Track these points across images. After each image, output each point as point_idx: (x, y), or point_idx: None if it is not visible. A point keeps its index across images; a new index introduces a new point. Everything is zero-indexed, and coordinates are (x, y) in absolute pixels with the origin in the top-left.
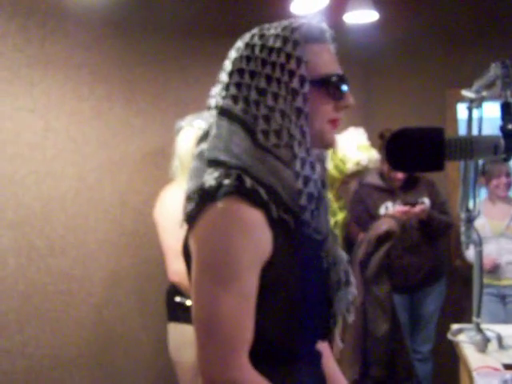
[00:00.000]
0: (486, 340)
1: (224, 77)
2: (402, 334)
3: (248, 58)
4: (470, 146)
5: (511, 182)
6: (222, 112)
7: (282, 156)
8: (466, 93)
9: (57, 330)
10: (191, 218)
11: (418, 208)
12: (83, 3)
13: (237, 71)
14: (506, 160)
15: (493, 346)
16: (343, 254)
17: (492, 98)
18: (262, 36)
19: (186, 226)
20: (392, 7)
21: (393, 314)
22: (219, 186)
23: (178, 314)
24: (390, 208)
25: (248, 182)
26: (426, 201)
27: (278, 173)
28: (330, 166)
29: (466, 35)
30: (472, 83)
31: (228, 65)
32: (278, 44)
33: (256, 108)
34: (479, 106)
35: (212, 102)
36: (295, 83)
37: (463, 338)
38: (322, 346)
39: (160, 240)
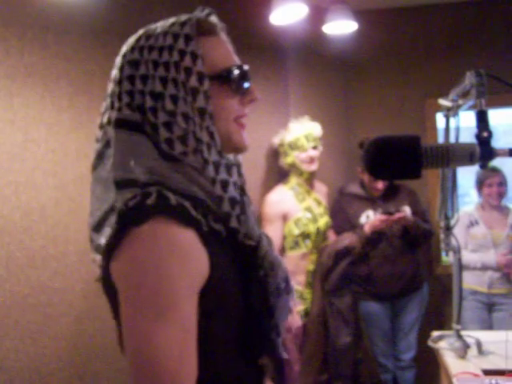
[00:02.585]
0: (466, 346)
1: (112, 87)
2: (366, 345)
3: (136, 62)
4: (446, 154)
5: (504, 192)
6: (119, 124)
7: (192, 163)
8: (442, 101)
9: (37, 343)
10: (111, 247)
11: (396, 216)
12: (63, 14)
13: (126, 78)
14: (482, 167)
15: (472, 352)
16: (280, 259)
17: (469, 107)
18: (148, 37)
19: (99, 258)
20: (371, 18)
21: (356, 326)
22: (140, 206)
23: None
24: (370, 217)
25: (172, 198)
26: (407, 209)
27: (195, 180)
28: (287, 160)
29: (444, 46)
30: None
31: (116, 73)
32: (169, 42)
33: (154, 116)
34: (456, 114)
35: (103, 118)
36: (193, 81)
37: (443, 344)
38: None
39: None
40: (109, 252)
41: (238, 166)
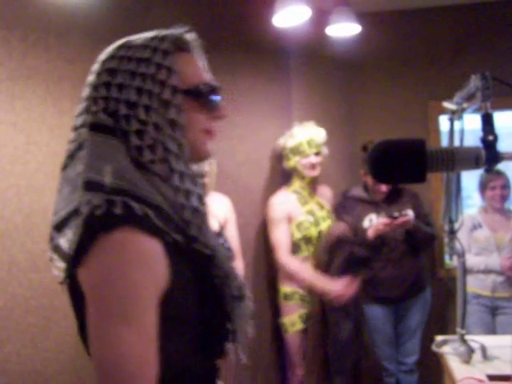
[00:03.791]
0: (471, 351)
1: (89, 92)
2: (365, 339)
3: (114, 71)
4: (452, 158)
5: (507, 194)
6: (94, 128)
7: (158, 172)
8: (447, 104)
9: (38, 346)
10: (78, 253)
11: (400, 220)
12: (65, 16)
13: (103, 85)
14: (488, 171)
15: (477, 357)
16: (235, 269)
17: (474, 110)
18: (129, 47)
19: (57, 259)
20: (374, 21)
21: (356, 319)
22: (108, 215)
23: None
24: (374, 220)
25: (137, 208)
26: (410, 213)
27: (159, 189)
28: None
29: (447, 48)
30: (454, 95)
31: (93, 79)
32: (147, 54)
33: (127, 123)
34: (460, 117)
35: (78, 120)
36: (167, 94)
37: (448, 349)
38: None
39: None
40: (76, 258)
41: (201, 176)
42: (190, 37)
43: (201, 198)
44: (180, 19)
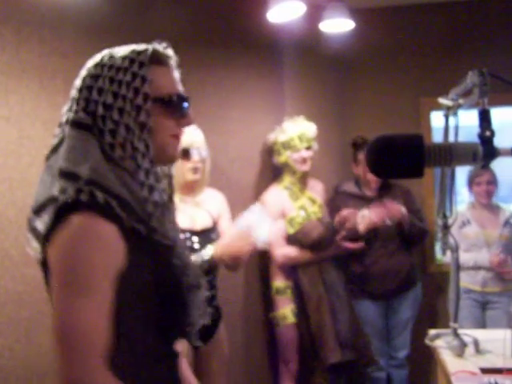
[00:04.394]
0: (463, 345)
1: (74, 93)
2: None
3: (96, 76)
4: (449, 153)
5: (492, 190)
6: (74, 124)
7: (127, 167)
8: (442, 100)
9: (31, 340)
10: (49, 232)
11: (388, 205)
12: (59, 10)
13: (86, 88)
14: (484, 167)
15: (470, 350)
16: (192, 260)
17: (468, 107)
18: (110, 57)
19: (34, 241)
20: (367, 17)
21: (346, 292)
22: (75, 201)
23: None
24: (365, 216)
25: (100, 196)
26: (402, 208)
27: (126, 183)
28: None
29: (439, 45)
30: (445, 92)
31: (78, 82)
32: (125, 64)
33: (102, 123)
34: (455, 113)
35: (63, 118)
36: (139, 100)
37: (440, 343)
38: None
39: None
40: (46, 238)
41: (170, 177)
42: (167, 52)
43: (167, 195)
44: (175, 13)
